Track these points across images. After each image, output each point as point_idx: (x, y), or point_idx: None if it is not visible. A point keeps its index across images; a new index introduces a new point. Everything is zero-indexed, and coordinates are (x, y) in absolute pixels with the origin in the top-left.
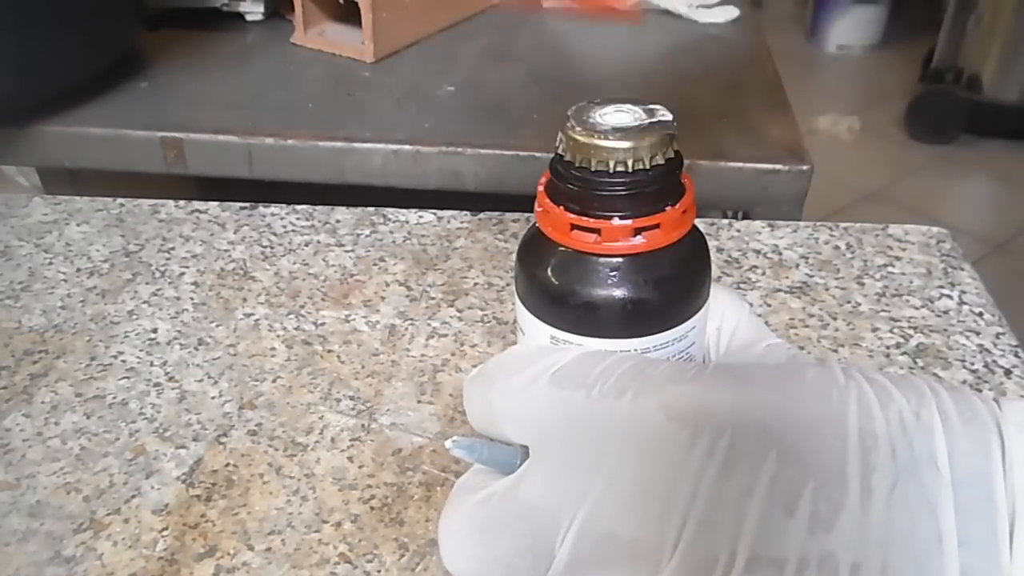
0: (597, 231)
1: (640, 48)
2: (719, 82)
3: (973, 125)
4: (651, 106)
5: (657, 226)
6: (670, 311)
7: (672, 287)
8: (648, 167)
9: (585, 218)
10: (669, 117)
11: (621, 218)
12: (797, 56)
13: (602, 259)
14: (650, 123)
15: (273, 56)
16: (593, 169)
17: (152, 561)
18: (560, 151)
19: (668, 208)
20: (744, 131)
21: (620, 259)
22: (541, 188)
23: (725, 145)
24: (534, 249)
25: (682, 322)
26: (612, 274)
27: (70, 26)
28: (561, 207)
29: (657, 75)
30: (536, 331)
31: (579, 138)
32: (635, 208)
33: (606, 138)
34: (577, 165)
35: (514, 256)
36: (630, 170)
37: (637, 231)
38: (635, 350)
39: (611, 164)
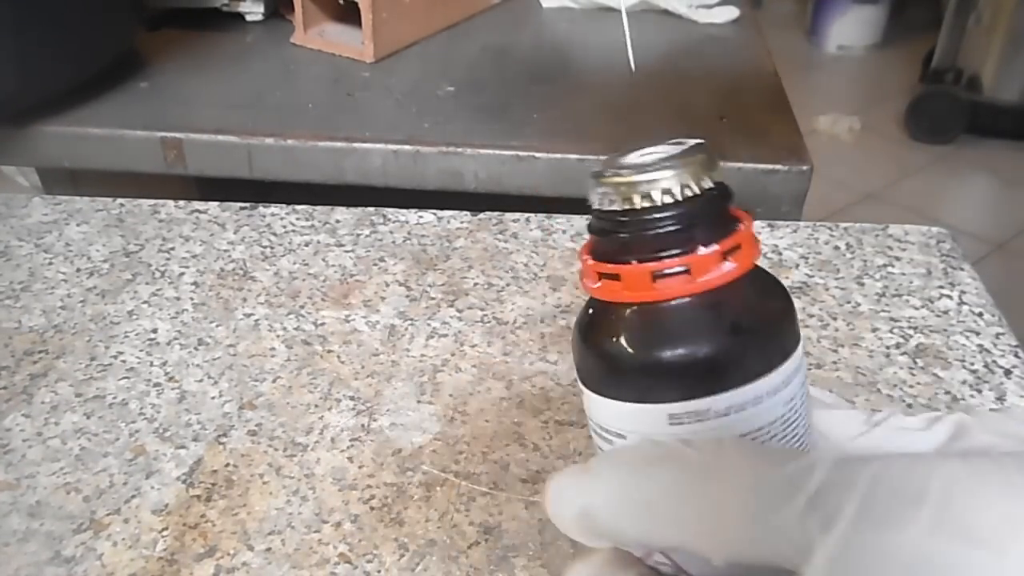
0: (686, 269)
1: (640, 48)
2: (719, 82)
3: (973, 125)
4: (677, 141)
5: (739, 246)
6: (782, 332)
7: (775, 303)
8: (701, 190)
9: (668, 260)
10: (700, 140)
11: (705, 246)
12: (797, 56)
13: (700, 296)
14: (683, 150)
15: (273, 56)
16: (659, 204)
17: (152, 561)
18: (616, 207)
19: (741, 226)
20: (744, 131)
21: (716, 291)
22: (588, 259)
23: (725, 145)
24: (616, 330)
25: (797, 343)
26: (714, 310)
27: (70, 26)
28: (633, 260)
29: (657, 75)
30: (648, 420)
31: (629, 179)
32: (714, 232)
33: (659, 168)
34: (642, 206)
35: (514, 260)
36: (698, 192)
37: (725, 255)
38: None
39: (679, 191)
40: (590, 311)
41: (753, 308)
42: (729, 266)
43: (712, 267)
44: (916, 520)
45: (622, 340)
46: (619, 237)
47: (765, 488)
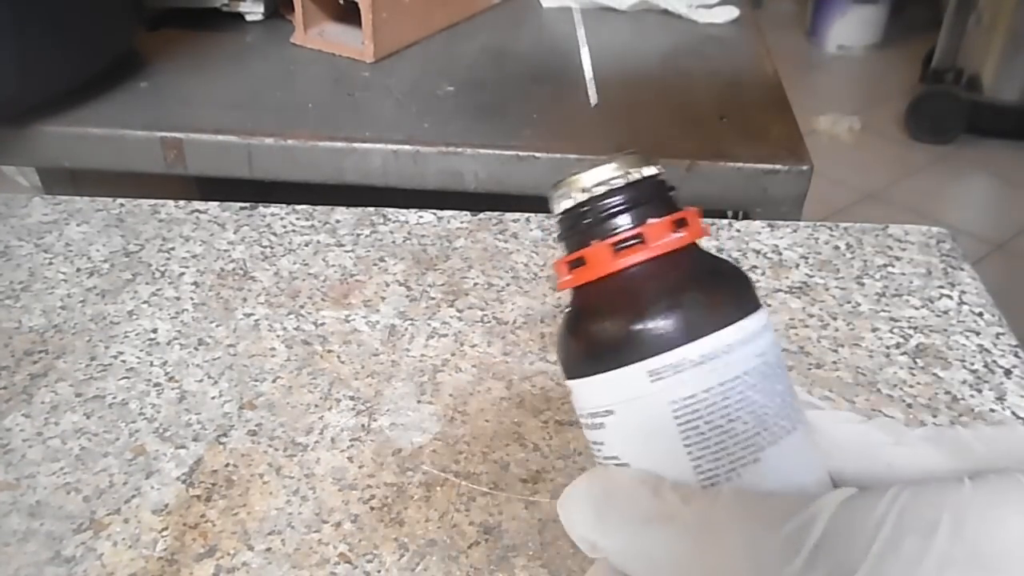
0: (641, 238)
1: (640, 48)
2: (719, 82)
3: (973, 125)
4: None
5: (685, 221)
6: (738, 289)
7: (726, 268)
8: (643, 175)
9: (618, 235)
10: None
11: (655, 217)
12: (797, 56)
13: (658, 260)
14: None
15: (273, 56)
16: (602, 191)
17: (152, 561)
18: (573, 202)
19: (686, 207)
20: (744, 131)
21: (672, 255)
22: (563, 262)
23: (725, 145)
24: (591, 308)
25: (758, 306)
26: (673, 270)
27: (70, 27)
28: (593, 242)
29: (657, 75)
30: (632, 382)
31: (580, 175)
32: (662, 208)
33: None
34: (589, 197)
35: (514, 260)
36: (633, 180)
37: (674, 226)
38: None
39: (624, 175)
40: (567, 309)
41: (708, 269)
42: (680, 234)
43: (664, 233)
44: (928, 554)
45: (597, 315)
46: (580, 229)
47: (761, 552)
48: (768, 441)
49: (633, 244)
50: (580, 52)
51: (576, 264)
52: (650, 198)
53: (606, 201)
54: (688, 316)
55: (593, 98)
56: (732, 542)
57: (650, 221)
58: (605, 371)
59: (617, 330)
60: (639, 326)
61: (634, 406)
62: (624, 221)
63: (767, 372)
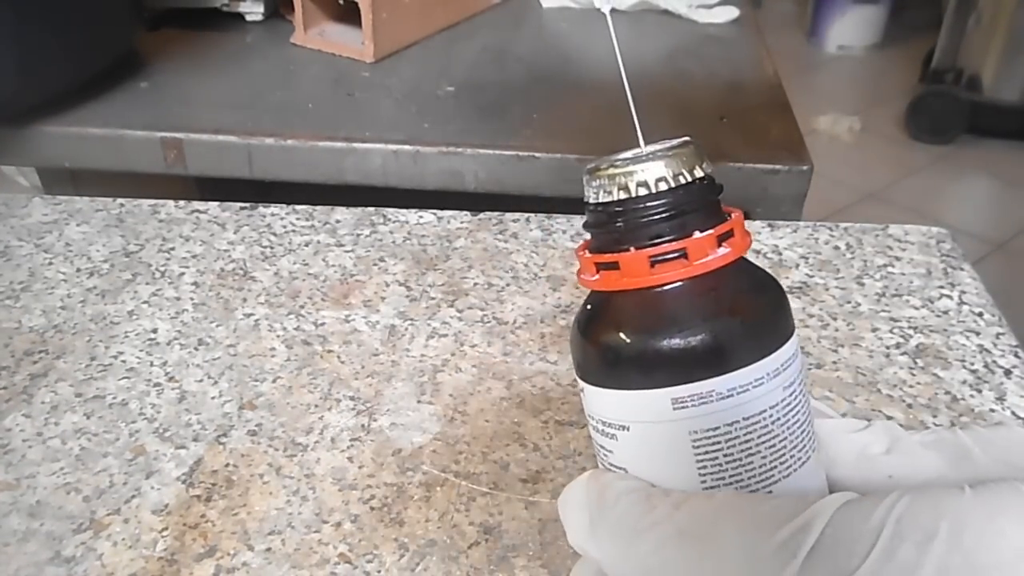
0: (683, 253)
1: (640, 48)
2: (719, 82)
3: (973, 125)
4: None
5: (732, 232)
6: (779, 315)
7: (769, 287)
8: (693, 178)
9: (659, 247)
10: (687, 138)
11: (700, 231)
12: (797, 56)
13: (698, 279)
14: (674, 143)
15: (273, 56)
16: (654, 191)
17: (152, 561)
18: (612, 198)
19: (732, 215)
20: (744, 131)
21: (713, 274)
22: (592, 259)
23: (725, 145)
24: (617, 318)
25: (792, 330)
26: (713, 293)
27: (70, 27)
28: (631, 248)
29: (657, 75)
30: (653, 406)
31: (625, 169)
32: (708, 218)
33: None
34: (631, 197)
35: (514, 260)
36: (681, 184)
37: (720, 240)
38: (791, 351)
39: (672, 178)
40: (588, 306)
41: (750, 291)
42: (724, 250)
43: (708, 250)
44: (925, 562)
45: (624, 328)
46: (616, 227)
47: (755, 557)
48: (783, 474)
49: (673, 258)
50: (627, 100)
51: (607, 266)
52: (697, 206)
53: (650, 204)
54: (722, 347)
55: (642, 144)
56: (726, 547)
57: (695, 235)
58: (626, 389)
59: (644, 350)
60: (668, 351)
61: (652, 428)
62: (667, 230)
63: (792, 403)
